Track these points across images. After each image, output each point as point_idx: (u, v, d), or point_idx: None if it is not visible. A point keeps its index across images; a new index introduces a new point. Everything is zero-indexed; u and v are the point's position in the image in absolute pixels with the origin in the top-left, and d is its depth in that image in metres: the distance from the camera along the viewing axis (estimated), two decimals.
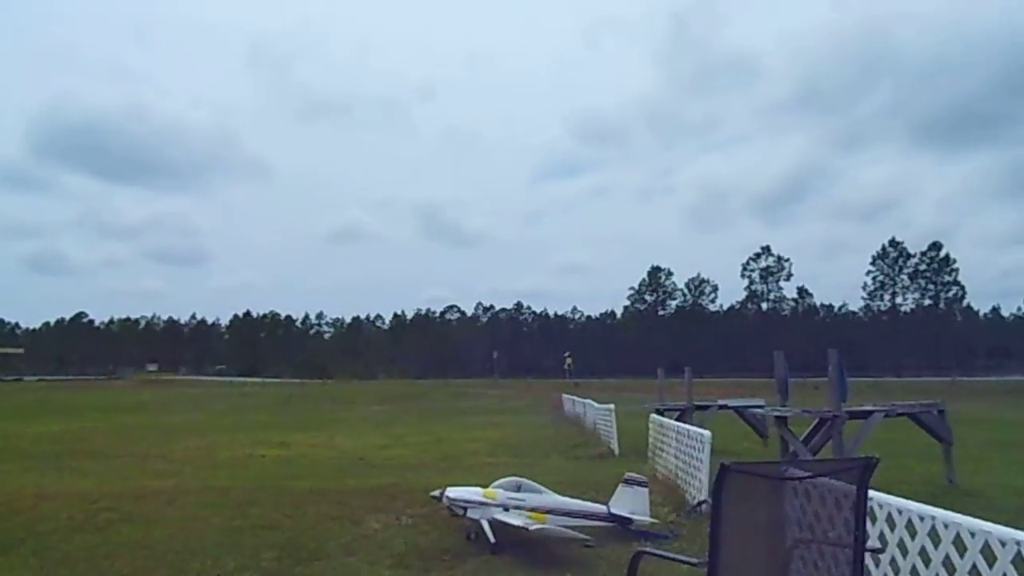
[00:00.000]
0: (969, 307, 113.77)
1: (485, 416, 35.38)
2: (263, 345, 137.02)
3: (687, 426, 12.01)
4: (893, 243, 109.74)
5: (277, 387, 71.87)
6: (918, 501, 5.50)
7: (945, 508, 5.73)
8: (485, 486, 9.84)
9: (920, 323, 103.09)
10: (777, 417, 13.08)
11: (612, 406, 19.48)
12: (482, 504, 9.22)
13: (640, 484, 10.01)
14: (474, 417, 34.88)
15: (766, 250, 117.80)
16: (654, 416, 14.78)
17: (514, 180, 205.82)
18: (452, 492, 9.34)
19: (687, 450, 11.73)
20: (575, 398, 30.12)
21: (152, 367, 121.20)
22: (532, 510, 9.37)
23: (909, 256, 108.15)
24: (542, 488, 9.85)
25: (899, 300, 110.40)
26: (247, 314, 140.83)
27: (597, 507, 9.92)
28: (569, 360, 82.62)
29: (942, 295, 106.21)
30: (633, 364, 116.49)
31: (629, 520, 9.74)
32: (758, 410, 20.89)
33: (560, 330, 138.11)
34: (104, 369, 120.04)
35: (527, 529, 8.43)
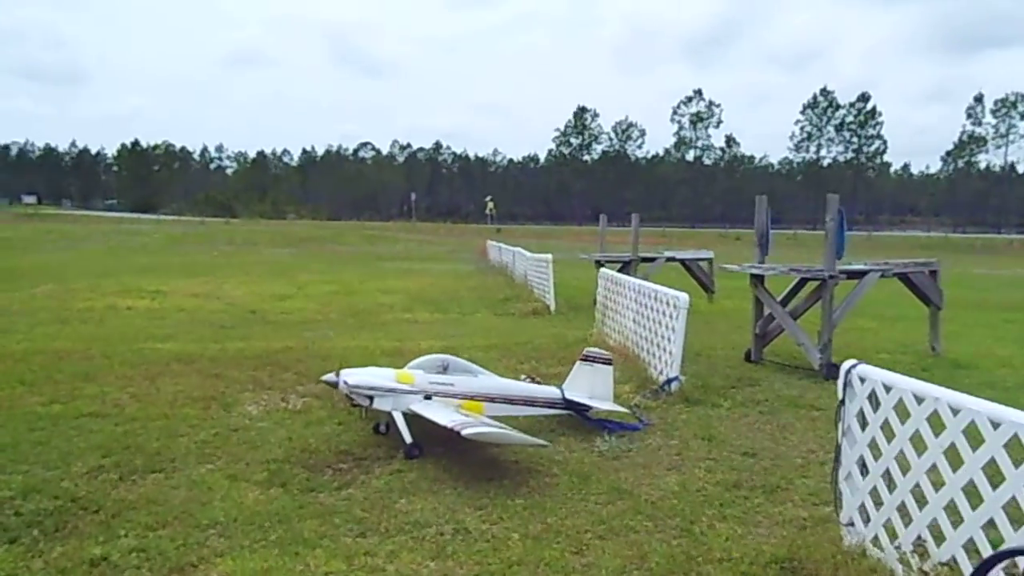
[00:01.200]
0: (884, 163, 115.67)
1: (403, 263, 32.76)
2: (157, 179, 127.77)
3: (653, 286, 9.65)
4: (824, 92, 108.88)
5: (174, 225, 66.71)
6: (906, 374, 4.13)
7: (943, 385, 4.21)
8: (400, 365, 7.32)
9: (840, 177, 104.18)
10: (754, 276, 10.87)
11: (549, 257, 17.09)
12: (394, 391, 6.69)
13: (603, 361, 7.66)
14: (390, 264, 32.20)
15: (697, 94, 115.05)
16: (605, 271, 12.38)
17: (431, 3, 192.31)
18: (351, 376, 6.73)
19: (653, 315, 9.42)
20: (502, 245, 27.70)
21: (30, 199, 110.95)
22: (464, 398, 6.93)
23: (838, 107, 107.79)
24: (476, 367, 7.37)
25: (824, 152, 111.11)
26: (136, 144, 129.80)
27: (548, 391, 7.58)
28: (491, 205, 79.94)
29: (864, 149, 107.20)
30: (556, 210, 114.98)
31: (587, 407, 7.47)
32: (704, 262, 18.94)
33: (481, 173, 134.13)
34: None
35: (458, 432, 5.98)
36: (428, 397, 6.79)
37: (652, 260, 18.04)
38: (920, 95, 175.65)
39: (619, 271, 17.24)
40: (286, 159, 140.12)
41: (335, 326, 14.22)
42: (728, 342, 12.51)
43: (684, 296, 8.70)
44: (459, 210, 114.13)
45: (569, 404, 7.43)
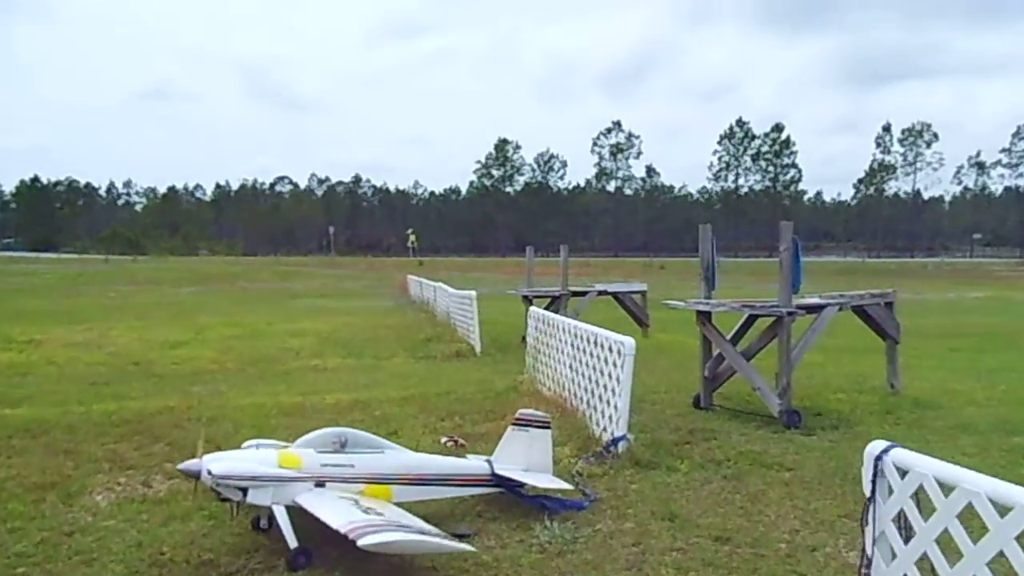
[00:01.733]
0: (800, 191, 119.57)
1: (317, 300, 30.83)
2: (60, 217, 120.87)
3: (592, 328, 8.41)
4: (740, 123, 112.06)
5: (72, 264, 62.38)
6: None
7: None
8: (300, 426, 5.81)
9: (759, 205, 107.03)
10: (701, 312, 9.78)
11: (473, 294, 15.74)
12: (275, 480, 5.16)
13: (539, 425, 6.31)
14: (304, 302, 30.24)
15: (616, 125, 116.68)
16: (535, 310, 11.10)
17: (350, 38, 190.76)
18: (217, 463, 5.15)
19: (594, 362, 8.17)
20: (423, 281, 26.22)
21: None
22: (367, 481, 5.46)
23: (754, 137, 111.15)
24: (382, 441, 5.89)
25: (741, 181, 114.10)
26: (36, 180, 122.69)
27: (473, 465, 6.16)
28: (413, 237, 78.25)
29: (780, 177, 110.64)
30: (480, 242, 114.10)
31: (521, 484, 6.09)
32: (637, 295, 17.96)
33: (402, 206, 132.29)
34: None
35: (354, 541, 4.52)
36: (320, 484, 5.29)
37: (583, 294, 16.91)
38: (829, 126, 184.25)
39: (548, 306, 16.08)
40: (199, 194, 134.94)
41: (231, 378, 12.47)
42: (671, 383, 11.38)
43: (630, 341, 7.47)
44: (380, 243, 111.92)
45: (500, 480, 6.04)
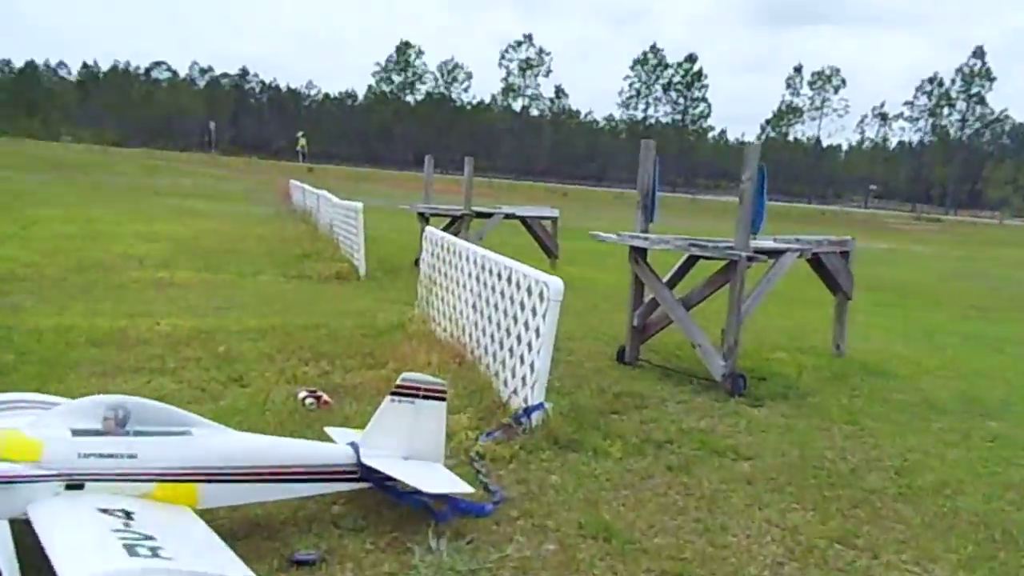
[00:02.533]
0: (707, 127, 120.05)
1: (185, 201, 27.44)
2: None
3: (505, 261, 6.54)
4: (654, 49, 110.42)
5: None
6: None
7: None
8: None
9: (665, 137, 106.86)
10: (635, 249, 8.09)
11: (359, 206, 13.47)
12: None
13: (432, 395, 4.43)
14: (169, 201, 26.83)
15: (528, 39, 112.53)
16: (432, 231, 9.10)
17: None
18: None
19: (505, 305, 6.34)
20: (306, 187, 23.49)
21: None
22: (157, 478, 3.47)
23: (667, 66, 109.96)
24: (194, 417, 3.87)
25: (651, 111, 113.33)
26: None
27: (328, 451, 4.25)
28: (303, 141, 73.28)
29: (690, 111, 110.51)
30: (376, 153, 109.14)
31: (390, 479, 4.22)
32: (548, 221, 16.23)
33: (294, 106, 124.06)
34: None
35: None
36: (76, 484, 3.26)
37: (488, 216, 14.99)
38: (738, 65, 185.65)
39: (448, 227, 14.10)
40: (62, 72, 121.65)
41: (45, 288, 9.91)
42: (587, 329, 9.77)
43: (556, 283, 5.65)
44: (268, 145, 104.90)
45: (368, 474, 4.17)
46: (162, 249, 14.12)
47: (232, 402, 5.77)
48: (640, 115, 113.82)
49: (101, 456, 3.33)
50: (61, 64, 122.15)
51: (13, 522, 3.12)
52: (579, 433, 5.61)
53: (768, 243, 8.13)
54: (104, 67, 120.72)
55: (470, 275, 7.38)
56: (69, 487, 3.23)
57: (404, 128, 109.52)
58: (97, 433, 3.40)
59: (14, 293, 9.41)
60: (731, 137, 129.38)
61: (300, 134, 75.09)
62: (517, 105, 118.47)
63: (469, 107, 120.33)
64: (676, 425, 6.20)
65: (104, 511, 3.10)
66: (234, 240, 16.30)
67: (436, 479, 4.21)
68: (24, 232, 14.90)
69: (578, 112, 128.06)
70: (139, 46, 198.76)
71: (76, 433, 3.34)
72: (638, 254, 8.17)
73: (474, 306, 7.14)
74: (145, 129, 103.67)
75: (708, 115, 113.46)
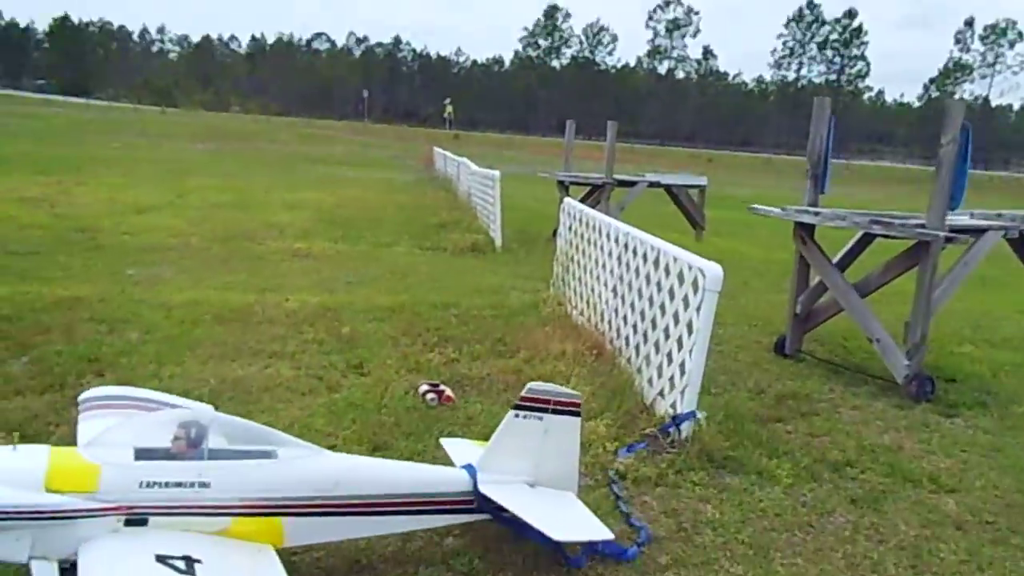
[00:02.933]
0: (863, 87, 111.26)
1: (334, 168, 28.10)
2: (93, 59, 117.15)
3: (657, 242, 5.66)
4: (810, 5, 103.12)
5: (96, 111, 59.90)
6: None
7: None
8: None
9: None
10: (801, 225, 6.94)
11: (497, 175, 12.89)
12: (33, 516, 2.65)
13: (563, 409, 3.69)
14: (319, 169, 27.54)
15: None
16: (571, 203, 8.32)
17: None
18: None
19: (652, 293, 5.49)
20: (447, 154, 23.30)
21: None
22: (234, 511, 2.95)
23: (823, 23, 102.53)
24: (272, 433, 3.33)
25: (804, 72, 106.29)
26: (66, 19, 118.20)
27: (439, 476, 3.62)
28: (449, 108, 74.17)
29: (847, 70, 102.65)
30: (520, 119, 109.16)
31: (518, 519, 3.51)
32: (695, 190, 15.01)
33: (443, 73, 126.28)
34: None
35: None
36: (137, 519, 2.80)
37: (630, 185, 13.99)
38: (899, 20, 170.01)
39: (587, 196, 13.26)
40: (233, 45, 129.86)
41: (187, 258, 10.05)
42: (739, 311, 8.70)
43: (714, 270, 4.73)
44: (418, 113, 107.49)
45: (484, 503, 3.51)
46: (304, 218, 14.21)
47: (348, 394, 5.32)
48: (792, 75, 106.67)
49: (167, 485, 2.84)
50: (232, 38, 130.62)
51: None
52: (738, 449, 4.71)
53: (964, 219, 6.75)
54: (270, 40, 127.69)
55: (611, 254, 6.56)
56: (129, 522, 2.77)
57: (548, 94, 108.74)
58: (165, 456, 2.92)
59: (158, 264, 9.55)
60: (888, 98, 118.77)
61: (447, 101, 76.05)
62: (662, 68, 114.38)
63: (613, 71, 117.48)
64: (854, 440, 5.15)
65: (163, 559, 2.62)
66: (375, 209, 16.24)
67: (567, 520, 3.49)
68: (179, 200, 15.49)
69: (726, 74, 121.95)
70: (302, 18, 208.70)
71: (140, 455, 2.88)
72: (804, 231, 7.02)
73: (615, 290, 6.33)
74: (305, 99, 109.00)
75: (866, 74, 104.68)
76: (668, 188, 14.53)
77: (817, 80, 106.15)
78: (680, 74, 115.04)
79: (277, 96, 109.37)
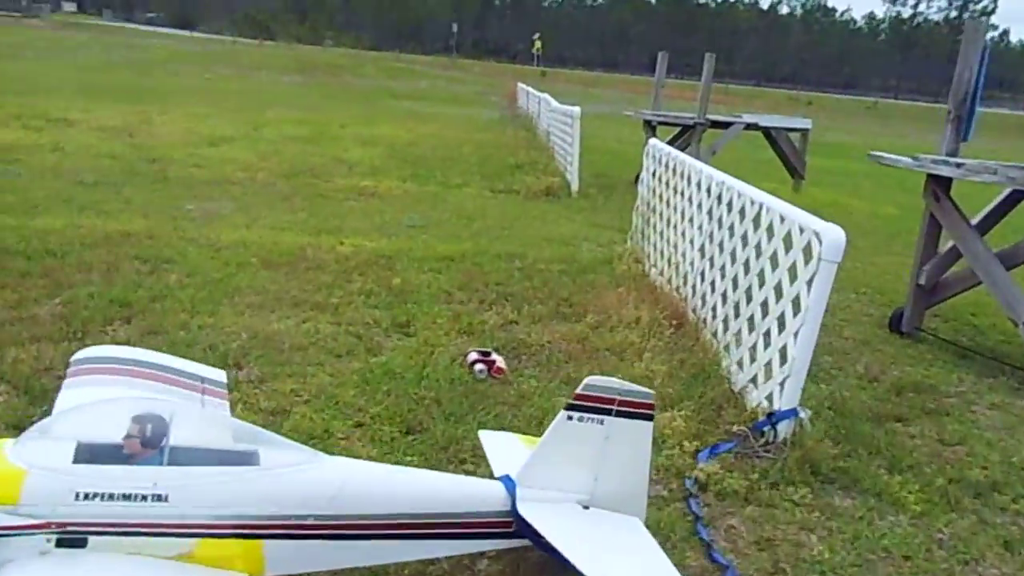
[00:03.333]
0: (989, 25, 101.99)
1: (416, 104, 27.42)
2: None
3: (759, 194, 4.69)
4: None
5: (195, 42, 60.89)
6: None
7: None
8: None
9: (934, 39, 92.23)
10: (935, 179, 5.78)
11: (576, 111, 11.85)
12: None
13: (632, 411, 2.88)
14: (400, 104, 26.92)
15: None
16: (657, 144, 7.32)
17: None
18: None
19: (751, 258, 4.58)
20: (530, 90, 22.21)
21: (70, 7, 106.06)
22: (203, 532, 2.32)
23: None
24: (258, 431, 2.66)
25: (922, 7, 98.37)
26: None
27: (467, 488, 2.89)
28: (538, 44, 71.98)
29: (970, 5, 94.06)
30: (610, 56, 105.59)
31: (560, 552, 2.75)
32: (796, 135, 13.59)
33: (534, 9, 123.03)
34: (15, 5, 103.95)
35: None
36: (73, 539, 2.19)
37: (725, 126, 12.73)
38: None
39: (676, 138, 12.12)
40: None
41: (250, 193, 9.61)
42: (844, 275, 7.52)
43: (835, 235, 3.77)
44: (507, 48, 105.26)
45: (523, 526, 2.77)
46: (376, 155, 13.60)
47: (388, 359, 4.66)
48: (908, 12, 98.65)
49: (113, 498, 2.22)
50: None
51: None
52: (850, 459, 3.83)
53: None
54: None
55: (700, 207, 5.62)
56: (62, 543, 2.17)
57: (641, 29, 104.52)
58: (113, 457, 2.30)
59: (220, 199, 9.13)
60: (1013, 39, 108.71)
61: (536, 36, 73.81)
62: (764, 2, 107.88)
63: (712, 4, 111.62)
64: (998, 453, 4.17)
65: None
66: (450, 146, 15.48)
67: (625, 559, 2.73)
68: (254, 133, 15.11)
69: (833, 10, 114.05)
70: None
71: (80, 456, 2.26)
72: (939, 186, 5.86)
73: (702, 250, 5.41)
74: (398, 33, 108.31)
75: (992, 11, 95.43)
76: (767, 131, 13.17)
77: (935, 17, 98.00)
78: (784, 9, 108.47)
79: (370, 30, 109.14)
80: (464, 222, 8.77)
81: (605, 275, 6.52)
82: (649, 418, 2.91)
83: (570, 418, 2.84)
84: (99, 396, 2.90)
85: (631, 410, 2.87)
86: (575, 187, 11.17)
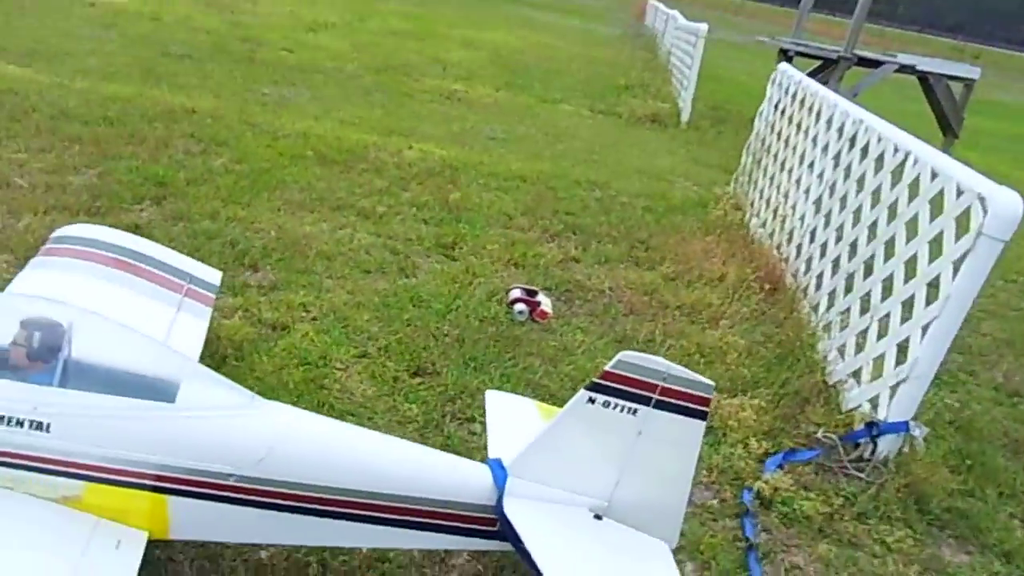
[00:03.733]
0: None
1: (537, 11, 25.97)
2: None
3: (910, 141, 3.66)
4: None
5: None
6: None
7: None
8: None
9: None
10: None
11: (702, 28, 10.50)
12: None
13: (678, 403, 2.11)
14: (521, 10, 25.53)
15: None
16: (787, 69, 6.16)
17: None
18: None
19: (882, 218, 3.59)
20: (660, 6, 20.50)
21: None
22: (95, 476, 1.78)
23: None
24: (185, 361, 2.07)
25: None
26: None
27: (443, 468, 2.18)
28: None
29: None
30: None
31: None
32: (958, 84, 11.77)
33: None
34: None
35: None
36: None
37: (875, 65, 11.09)
38: None
39: (814, 74, 10.63)
40: None
41: (331, 84, 9.02)
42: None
43: (1010, 200, 2.77)
44: None
45: (508, 529, 2.08)
46: (477, 59, 12.72)
47: (418, 284, 4.01)
48: None
49: None
50: None
51: None
52: (972, 498, 2.94)
53: None
54: None
55: (825, 149, 4.58)
56: None
57: None
58: None
59: (299, 85, 8.59)
60: None
61: None
62: None
63: None
64: None
65: None
66: (558, 59, 14.39)
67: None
68: (358, 23, 14.46)
69: None
70: None
71: None
72: None
73: (818, 203, 4.42)
74: None
75: None
76: (923, 76, 11.41)
77: None
78: None
79: None
80: (550, 140, 7.91)
81: (695, 219, 5.58)
82: (702, 416, 2.14)
83: (591, 401, 2.11)
84: (56, 282, 2.48)
85: (678, 402, 2.11)
86: (685, 116, 10.00)
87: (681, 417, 2.12)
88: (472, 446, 2.80)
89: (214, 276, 2.98)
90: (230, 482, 1.87)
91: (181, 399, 1.90)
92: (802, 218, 4.66)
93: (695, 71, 10.16)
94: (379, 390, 3.02)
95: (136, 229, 3.91)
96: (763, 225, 5.32)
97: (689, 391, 2.10)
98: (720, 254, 4.68)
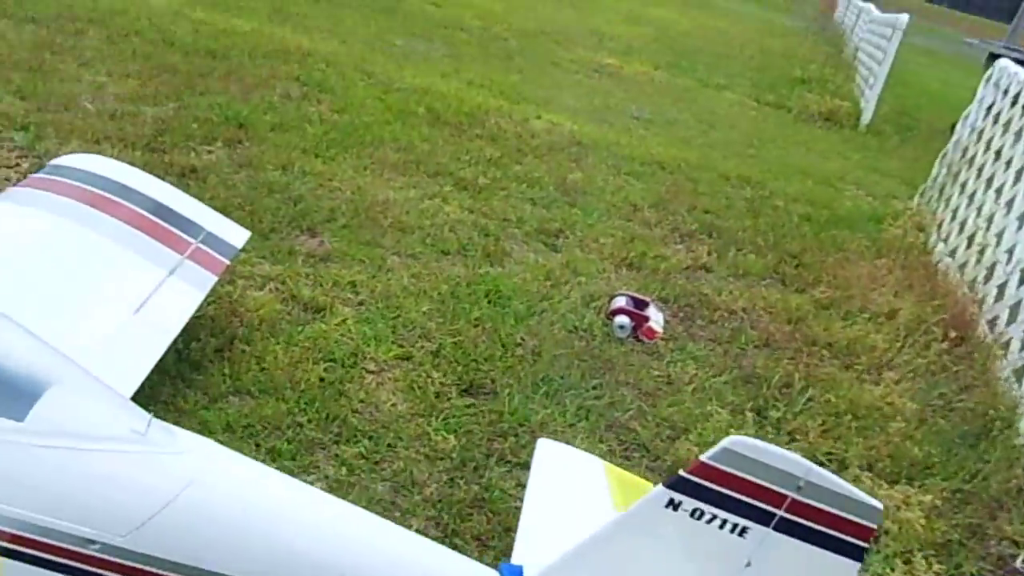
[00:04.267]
0: None
1: None
2: None
3: None
4: None
5: None
6: None
7: None
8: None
9: None
10: None
11: (902, 20, 9.03)
12: None
13: (820, 531, 1.30)
14: None
15: None
16: (1009, 68, 4.91)
17: None
18: None
19: None
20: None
21: None
22: None
23: None
24: (76, 368, 1.45)
25: None
26: None
27: (426, 566, 1.49)
28: None
29: None
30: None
31: None
32: None
33: None
34: None
35: None
36: None
37: None
38: None
39: None
40: None
41: (474, 44, 8.49)
42: None
43: None
44: None
45: None
46: (640, 35, 11.78)
47: (500, 276, 3.34)
48: None
49: None
50: None
51: None
52: None
53: None
54: None
55: None
56: None
57: None
58: None
59: (436, 41, 8.11)
60: None
61: None
62: None
63: None
64: None
65: None
66: (730, 44, 13.16)
67: None
68: None
69: None
70: None
71: None
72: None
73: None
74: None
75: None
76: None
77: None
78: None
79: None
80: (703, 128, 6.96)
81: (864, 236, 4.52)
82: (857, 555, 1.32)
83: (674, 505, 1.33)
84: (19, 224, 2.01)
85: (819, 528, 1.31)
86: (867, 117, 8.63)
87: (820, 551, 1.32)
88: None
89: (238, 236, 2.42)
90: (90, 551, 1.24)
91: (35, 416, 1.29)
92: (1010, 251, 3.58)
93: (886, 68, 8.76)
94: (413, 407, 2.36)
95: (192, 172, 3.47)
96: (952, 253, 4.21)
97: (839, 513, 1.30)
98: (892, 283, 3.67)
